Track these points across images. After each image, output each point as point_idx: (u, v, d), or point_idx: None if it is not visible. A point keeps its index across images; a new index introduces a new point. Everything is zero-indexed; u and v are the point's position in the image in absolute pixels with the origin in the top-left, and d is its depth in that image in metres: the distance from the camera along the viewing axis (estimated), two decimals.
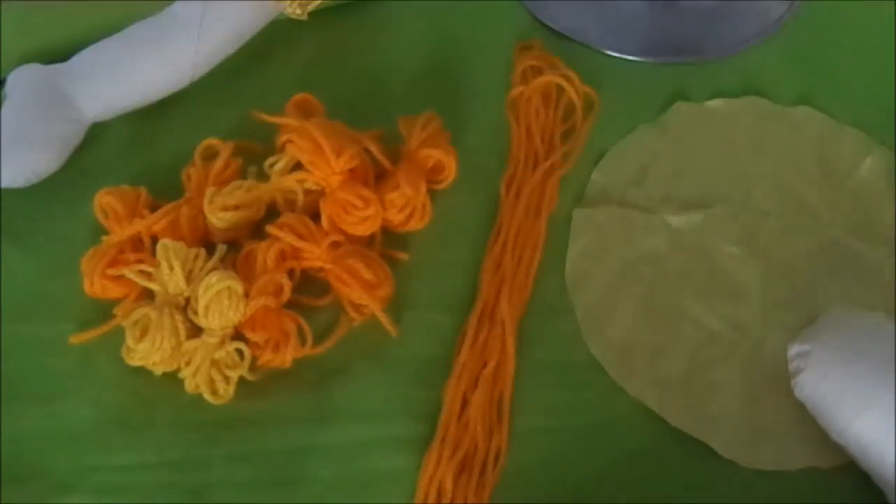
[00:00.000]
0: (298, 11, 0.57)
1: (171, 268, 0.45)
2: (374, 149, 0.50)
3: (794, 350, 0.44)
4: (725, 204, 0.52)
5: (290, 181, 0.49)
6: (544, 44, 0.59)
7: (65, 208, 0.51)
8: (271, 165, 0.50)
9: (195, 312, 0.45)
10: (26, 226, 0.50)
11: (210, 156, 0.51)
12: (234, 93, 0.56)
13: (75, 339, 0.46)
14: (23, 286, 0.48)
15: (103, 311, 0.46)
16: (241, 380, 0.45)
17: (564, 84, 0.55)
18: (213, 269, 0.46)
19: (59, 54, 0.53)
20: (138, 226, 0.47)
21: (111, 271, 0.47)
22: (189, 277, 0.45)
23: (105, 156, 0.53)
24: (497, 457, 0.44)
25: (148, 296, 0.47)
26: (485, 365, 0.46)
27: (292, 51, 0.59)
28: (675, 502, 0.43)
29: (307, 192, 0.49)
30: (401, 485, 0.43)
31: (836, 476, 0.43)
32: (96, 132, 0.53)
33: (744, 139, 0.55)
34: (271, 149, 0.51)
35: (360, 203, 0.48)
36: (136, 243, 0.48)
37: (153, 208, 0.49)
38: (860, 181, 0.54)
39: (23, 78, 0.51)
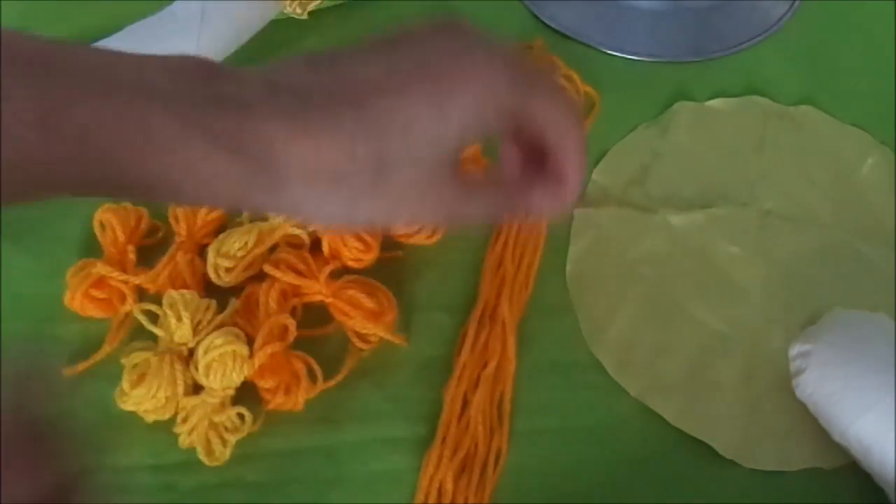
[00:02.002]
0: (298, 11, 0.57)
1: (180, 319, 0.44)
2: None
3: (795, 350, 0.44)
4: (726, 203, 0.52)
5: (293, 225, 0.48)
6: (544, 44, 0.59)
7: (65, 208, 0.51)
8: None
9: (196, 369, 0.43)
10: (26, 226, 0.50)
11: None
12: None
13: (69, 371, 0.45)
14: (23, 286, 0.48)
15: None
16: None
17: (565, 84, 0.55)
18: (222, 323, 0.45)
19: None
20: (137, 281, 0.47)
21: (95, 292, 0.46)
22: (196, 329, 0.44)
23: None
24: (497, 457, 0.43)
25: (131, 325, 0.46)
26: (485, 365, 0.46)
27: (292, 51, 0.59)
28: (675, 502, 0.43)
29: (311, 233, 0.48)
30: (401, 485, 0.43)
31: (838, 476, 0.43)
32: None
33: (745, 139, 0.55)
34: None
35: (359, 245, 0.48)
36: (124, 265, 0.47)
37: (152, 230, 0.49)
38: (862, 181, 0.54)
39: None
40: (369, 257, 0.48)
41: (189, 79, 0.33)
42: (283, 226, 0.48)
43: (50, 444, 0.28)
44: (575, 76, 0.56)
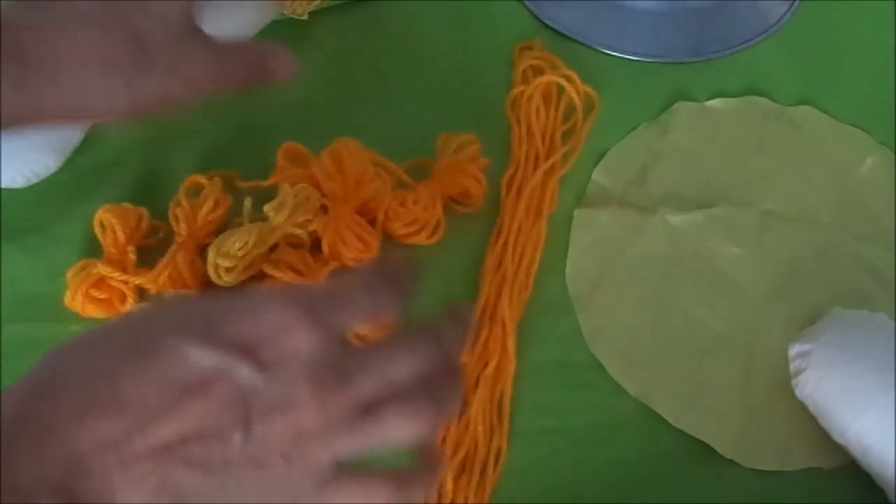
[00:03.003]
0: (299, 11, 0.57)
1: None
2: (393, 169, 0.50)
3: (795, 350, 0.44)
4: (726, 203, 0.52)
5: (294, 225, 0.48)
6: (544, 44, 0.59)
7: (65, 208, 0.51)
8: (273, 209, 0.47)
9: None
10: (26, 226, 0.50)
11: (196, 191, 0.49)
12: (235, 93, 0.56)
13: None
14: (23, 286, 0.48)
15: None
16: None
17: (565, 84, 0.55)
18: None
19: None
20: (137, 281, 0.47)
21: (95, 292, 0.46)
22: None
23: (105, 156, 0.53)
24: (497, 457, 0.44)
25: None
26: (485, 365, 0.46)
27: (292, 51, 0.58)
28: (675, 502, 0.43)
29: (311, 233, 0.48)
30: None
31: (838, 476, 0.43)
32: (96, 132, 0.53)
33: (744, 139, 0.55)
34: (260, 171, 0.50)
35: (360, 245, 0.48)
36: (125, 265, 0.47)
37: (152, 230, 0.49)
38: (861, 181, 0.54)
39: None
40: (369, 257, 0.48)
41: None
42: (283, 225, 0.48)
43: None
44: (574, 76, 0.56)
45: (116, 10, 0.38)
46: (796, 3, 0.62)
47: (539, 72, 0.56)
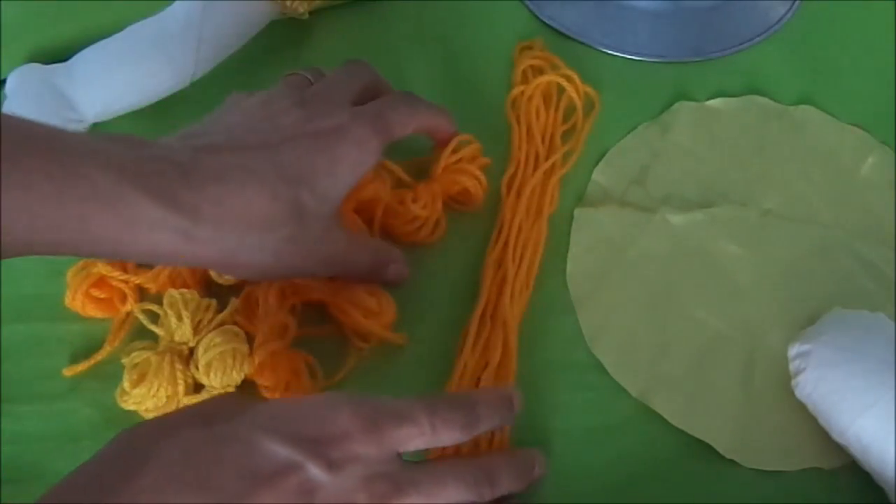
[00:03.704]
0: (299, 11, 0.57)
1: (181, 318, 0.44)
2: (392, 168, 0.50)
3: (794, 350, 0.44)
4: (727, 203, 0.52)
5: None
6: (545, 44, 0.59)
7: None
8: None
9: (197, 368, 0.44)
10: None
11: None
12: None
13: (69, 371, 0.45)
14: (23, 286, 0.48)
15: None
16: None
17: (565, 84, 0.55)
18: (222, 322, 0.45)
19: (59, 54, 0.53)
20: (137, 280, 0.47)
21: (95, 292, 0.46)
22: (197, 328, 0.44)
23: None
24: None
25: (132, 324, 0.46)
26: (486, 365, 0.46)
27: (292, 51, 0.59)
28: (675, 502, 0.43)
29: None
30: None
31: (838, 476, 0.43)
32: (97, 132, 0.53)
33: (745, 138, 0.55)
34: None
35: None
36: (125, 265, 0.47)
37: None
38: (862, 180, 0.54)
39: (23, 78, 0.51)
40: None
41: (123, 141, 0.38)
42: None
43: None
44: (575, 76, 0.56)
45: (288, 177, 0.40)
46: (797, 2, 0.62)
47: (539, 71, 0.56)
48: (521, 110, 0.55)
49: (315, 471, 0.33)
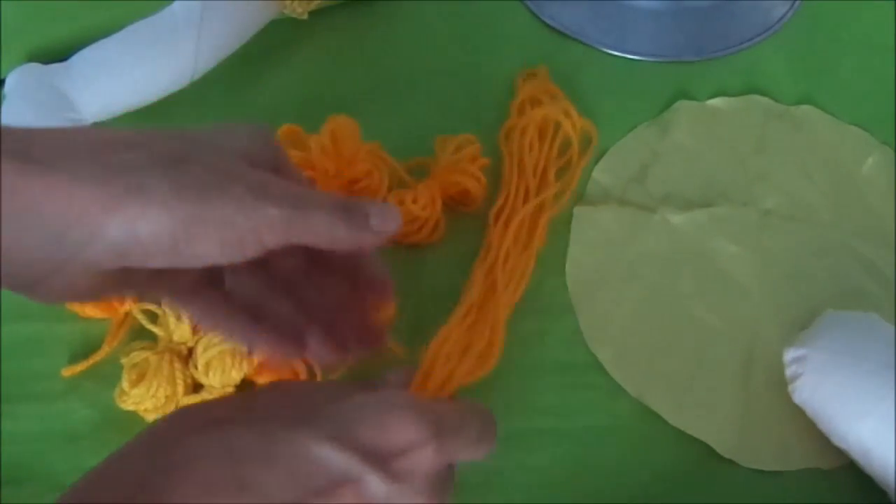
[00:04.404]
0: (299, 11, 0.57)
1: (179, 318, 0.44)
2: (393, 168, 0.50)
3: (789, 355, 0.44)
4: (727, 203, 0.52)
5: None
6: (544, 43, 0.59)
7: None
8: None
9: (196, 368, 0.44)
10: None
11: None
12: (235, 93, 0.56)
13: (67, 372, 0.45)
14: None
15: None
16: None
17: (562, 118, 0.52)
18: None
19: (59, 54, 0.53)
20: None
21: None
22: (196, 328, 0.44)
23: None
24: None
25: (130, 326, 0.46)
26: (468, 348, 0.43)
27: (292, 51, 0.59)
28: (675, 502, 0.43)
29: None
30: None
31: (837, 476, 0.43)
32: None
33: (745, 138, 0.55)
34: None
35: None
36: None
37: None
38: (862, 180, 0.54)
39: (22, 78, 0.51)
40: None
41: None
42: None
43: None
44: (572, 110, 0.53)
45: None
46: (797, 2, 0.62)
47: (538, 103, 0.54)
48: (514, 143, 0.52)
49: (374, 484, 0.30)
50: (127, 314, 0.47)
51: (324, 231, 0.33)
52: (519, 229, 0.49)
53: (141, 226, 0.30)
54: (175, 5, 0.53)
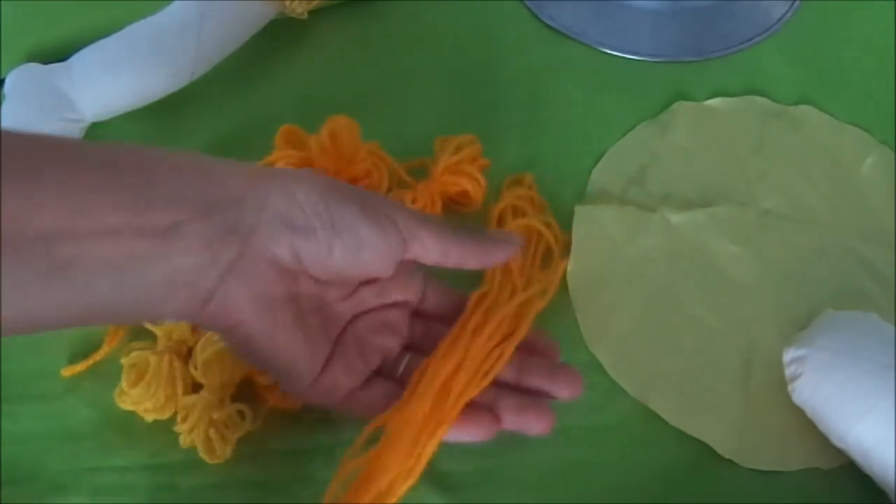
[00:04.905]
0: (299, 11, 0.57)
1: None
2: (393, 168, 0.50)
3: (788, 355, 0.44)
4: (726, 203, 0.52)
5: None
6: (544, 43, 0.59)
7: None
8: None
9: (195, 367, 0.44)
10: None
11: None
12: (235, 93, 0.56)
13: (67, 371, 0.45)
14: None
15: None
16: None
17: (543, 230, 0.49)
18: None
19: (59, 54, 0.53)
20: None
21: None
22: (195, 327, 0.44)
23: None
24: None
25: (130, 326, 0.46)
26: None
27: (292, 50, 0.59)
28: (674, 502, 0.43)
29: None
30: None
31: (836, 476, 0.43)
32: (96, 132, 0.53)
33: (744, 138, 0.55)
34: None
35: None
36: None
37: None
38: (861, 180, 0.54)
39: (22, 78, 0.51)
40: None
41: None
42: None
43: None
44: (553, 223, 0.50)
45: None
46: (796, 2, 0.62)
47: (521, 213, 0.51)
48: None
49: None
50: None
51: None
52: (501, 322, 0.43)
53: (298, 189, 0.36)
54: (174, 5, 0.53)
